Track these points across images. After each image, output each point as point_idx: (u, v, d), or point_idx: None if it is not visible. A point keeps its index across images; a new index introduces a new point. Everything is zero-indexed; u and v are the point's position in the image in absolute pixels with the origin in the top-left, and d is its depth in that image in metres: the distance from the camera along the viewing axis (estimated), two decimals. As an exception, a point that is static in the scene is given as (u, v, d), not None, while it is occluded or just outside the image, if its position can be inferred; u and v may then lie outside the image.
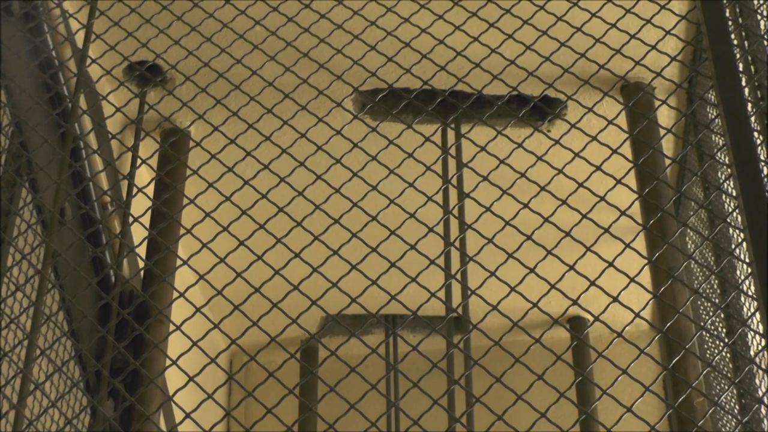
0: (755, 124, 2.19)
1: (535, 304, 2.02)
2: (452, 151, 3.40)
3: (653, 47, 2.30)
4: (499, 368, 1.96)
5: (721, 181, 2.46)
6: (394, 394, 3.96)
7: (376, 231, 2.11)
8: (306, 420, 3.72)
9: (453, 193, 3.38)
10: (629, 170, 2.20)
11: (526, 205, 2.13)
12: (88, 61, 2.51)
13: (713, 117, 2.36)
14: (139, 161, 3.07)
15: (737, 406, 2.48)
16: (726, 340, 2.60)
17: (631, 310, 2.02)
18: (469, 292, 2.08)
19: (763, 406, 2.11)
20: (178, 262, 2.84)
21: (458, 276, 2.99)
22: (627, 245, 2.08)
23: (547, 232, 2.10)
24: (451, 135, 3.59)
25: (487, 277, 2.04)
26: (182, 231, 2.50)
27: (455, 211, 3.19)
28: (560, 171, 2.17)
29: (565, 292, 2.05)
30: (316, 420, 3.95)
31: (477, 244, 2.16)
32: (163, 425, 3.35)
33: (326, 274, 2.05)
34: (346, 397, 1.97)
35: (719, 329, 2.77)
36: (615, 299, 2.00)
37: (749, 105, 2.19)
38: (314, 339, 2.09)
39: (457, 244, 3.06)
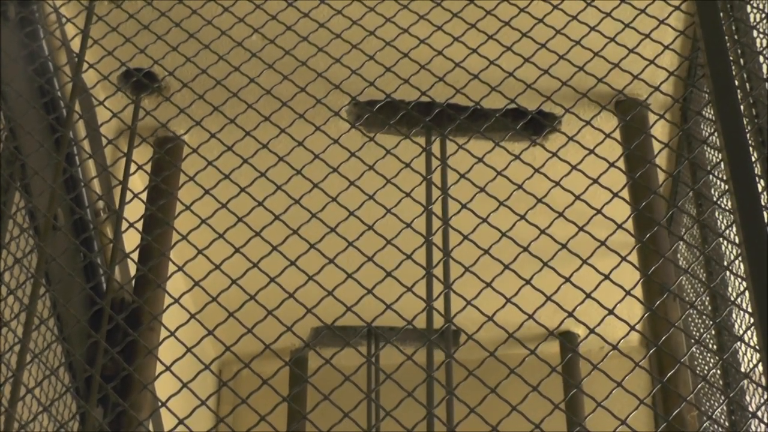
0: (750, 140, 2.19)
1: (530, 316, 2.02)
2: (436, 162, 3.39)
3: (651, 62, 2.30)
4: (486, 380, 1.96)
5: (716, 197, 2.46)
6: (375, 404, 3.95)
7: (368, 240, 2.12)
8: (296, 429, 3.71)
9: (437, 204, 3.37)
10: (625, 185, 2.21)
11: (522, 217, 2.13)
12: (84, 66, 2.50)
13: (710, 133, 2.37)
14: (134, 167, 3.07)
15: (727, 421, 2.49)
16: (717, 355, 2.60)
17: (627, 323, 2.01)
18: (465, 304, 2.07)
19: (753, 419, 2.12)
20: (170, 268, 2.84)
21: (439, 288, 2.97)
22: (623, 258, 2.08)
23: (533, 246, 2.10)
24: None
25: (482, 288, 2.04)
26: (175, 238, 2.49)
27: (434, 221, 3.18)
28: (557, 183, 2.17)
29: (555, 306, 2.05)
30: (305, 429, 3.97)
31: (465, 256, 2.16)
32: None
33: (317, 284, 2.05)
34: (332, 407, 1.96)
35: (710, 343, 2.77)
36: (611, 312, 2.01)
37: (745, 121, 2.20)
38: (309, 347, 2.08)
39: (438, 255, 3.06)
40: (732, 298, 2.29)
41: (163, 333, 2.61)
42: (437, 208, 3.22)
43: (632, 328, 2.01)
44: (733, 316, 2.56)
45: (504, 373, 1.99)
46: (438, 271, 3.09)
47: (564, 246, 2.09)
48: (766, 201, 2.08)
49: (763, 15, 2.35)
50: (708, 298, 2.84)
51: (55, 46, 2.63)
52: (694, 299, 3.01)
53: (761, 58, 2.33)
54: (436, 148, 3.40)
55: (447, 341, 2.71)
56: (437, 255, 3.06)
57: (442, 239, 2.92)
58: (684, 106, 2.96)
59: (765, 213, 2.02)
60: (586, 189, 2.15)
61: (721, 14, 2.32)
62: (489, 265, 2.09)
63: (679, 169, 2.74)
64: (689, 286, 3.21)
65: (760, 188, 2.06)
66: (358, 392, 2.01)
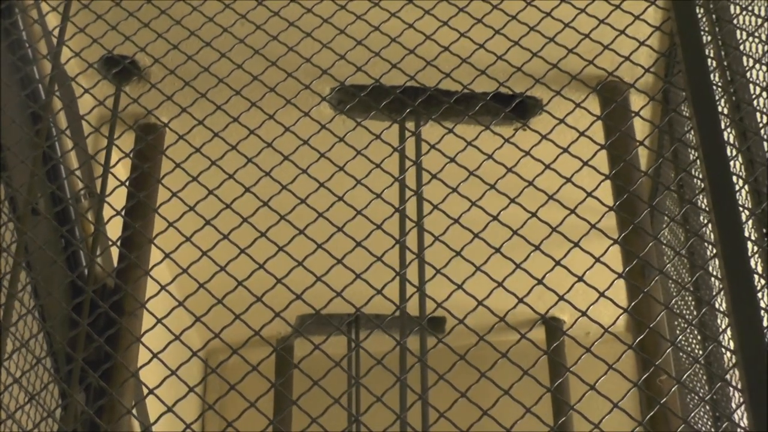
0: (724, 108, 2.19)
1: (500, 284, 2.01)
2: (408, 148, 3.38)
3: (621, 32, 2.30)
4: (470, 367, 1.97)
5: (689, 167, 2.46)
6: (356, 392, 3.99)
7: (339, 212, 2.12)
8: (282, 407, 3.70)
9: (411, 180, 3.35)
10: (597, 150, 2.20)
11: (492, 187, 2.13)
12: (63, 50, 2.51)
13: (681, 102, 2.36)
14: (114, 150, 3.08)
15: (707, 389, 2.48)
16: (686, 321, 2.59)
17: (596, 290, 2.01)
18: (435, 273, 2.07)
19: (730, 388, 2.11)
20: (153, 251, 2.83)
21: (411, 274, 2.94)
22: (593, 226, 2.08)
23: (503, 215, 2.10)
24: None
25: (452, 257, 2.04)
26: (156, 222, 2.49)
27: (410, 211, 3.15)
28: (527, 153, 2.17)
29: (535, 294, 2.04)
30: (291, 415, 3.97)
31: (438, 229, 2.15)
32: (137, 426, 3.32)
33: (287, 254, 2.05)
34: (316, 396, 1.96)
35: (690, 309, 2.76)
36: (580, 279, 2.00)
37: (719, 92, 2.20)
38: (297, 332, 2.07)
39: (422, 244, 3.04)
40: (708, 267, 2.29)
41: (147, 316, 2.62)
42: (411, 185, 3.21)
43: (601, 294, 2.00)
44: (711, 285, 2.55)
45: (479, 349, 2.00)
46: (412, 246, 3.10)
47: (533, 215, 2.09)
48: (734, 168, 2.07)
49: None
50: (687, 271, 2.84)
51: (29, 23, 2.63)
52: (674, 273, 3.00)
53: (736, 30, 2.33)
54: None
55: (421, 309, 2.69)
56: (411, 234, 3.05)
57: (417, 212, 2.92)
58: (666, 80, 2.96)
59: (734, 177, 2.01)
60: (556, 158, 2.15)
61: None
62: (460, 236, 2.08)
63: (654, 130, 2.73)
64: (668, 255, 3.20)
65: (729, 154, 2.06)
66: (337, 378, 2.02)
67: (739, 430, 2.08)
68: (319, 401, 1.95)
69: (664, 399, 1.85)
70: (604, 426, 1.85)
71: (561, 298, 2.01)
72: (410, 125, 3.58)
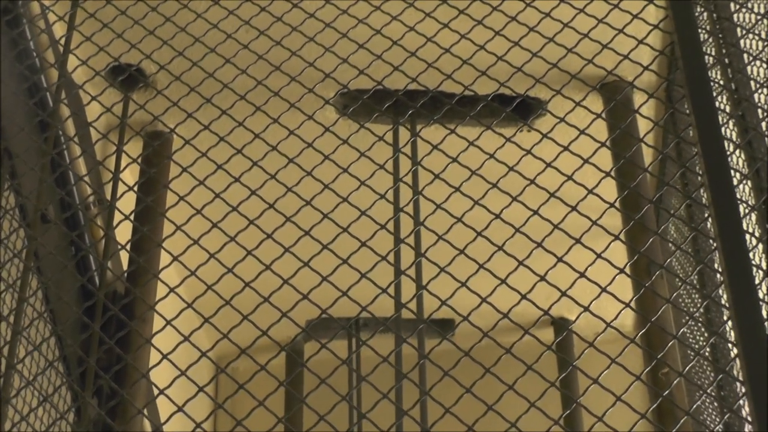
0: (726, 105, 2.21)
1: (503, 281, 2.04)
2: (407, 149, 3.39)
3: (620, 31, 2.31)
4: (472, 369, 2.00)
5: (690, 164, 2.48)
6: (357, 394, 4.03)
7: (342, 214, 2.15)
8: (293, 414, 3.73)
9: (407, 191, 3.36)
10: (600, 146, 2.21)
11: (494, 185, 2.16)
12: (70, 58, 2.54)
13: (680, 98, 2.39)
14: (123, 157, 3.11)
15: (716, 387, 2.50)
16: (688, 314, 2.61)
17: (597, 285, 2.03)
18: (438, 271, 2.09)
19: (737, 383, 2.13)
20: (162, 255, 2.86)
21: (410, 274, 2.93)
22: (594, 222, 2.10)
23: (505, 214, 2.12)
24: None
25: (455, 255, 2.06)
26: (165, 227, 2.52)
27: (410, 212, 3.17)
28: (528, 152, 2.20)
29: (544, 295, 2.06)
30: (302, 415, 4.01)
31: (439, 229, 2.17)
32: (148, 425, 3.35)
33: (294, 256, 2.08)
34: (320, 397, 1.99)
35: (697, 306, 2.78)
36: (583, 274, 2.03)
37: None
38: (305, 331, 2.10)
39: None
40: (712, 264, 2.31)
41: (155, 320, 2.65)
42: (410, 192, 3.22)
43: (603, 290, 2.02)
44: (716, 281, 2.57)
45: (483, 350, 2.03)
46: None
47: (535, 212, 2.11)
48: (735, 164, 2.09)
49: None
50: (692, 268, 2.85)
51: (37, 33, 2.67)
52: (680, 272, 3.02)
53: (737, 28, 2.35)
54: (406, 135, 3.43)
55: (419, 306, 2.72)
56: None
57: (414, 211, 2.94)
58: (669, 84, 2.98)
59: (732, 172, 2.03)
60: (557, 156, 2.17)
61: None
62: (461, 237, 2.10)
63: (653, 127, 2.75)
64: (674, 256, 3.22)
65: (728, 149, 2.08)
66: (338, 382, 2.04)
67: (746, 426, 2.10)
68: (323, 402, 1.98)
69: (667, 391, 1.87)
70: (614, 423, 1.87)
71: (563, 294, 2.02)
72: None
